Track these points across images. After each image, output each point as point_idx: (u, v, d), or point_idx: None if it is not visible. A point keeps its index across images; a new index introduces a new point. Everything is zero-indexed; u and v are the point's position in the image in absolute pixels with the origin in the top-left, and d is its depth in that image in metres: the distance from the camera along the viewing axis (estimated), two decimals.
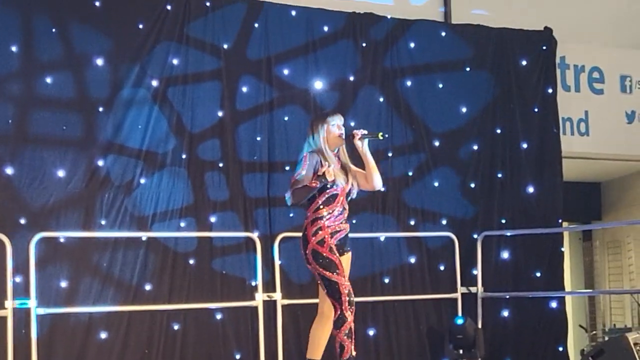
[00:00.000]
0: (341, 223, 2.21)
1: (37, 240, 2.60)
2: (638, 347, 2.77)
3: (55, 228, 2.77)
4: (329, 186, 2.17)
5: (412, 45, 3.47)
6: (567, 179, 3.69)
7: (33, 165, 2.81)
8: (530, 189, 3.57)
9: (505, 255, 3.48)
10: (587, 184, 4.57)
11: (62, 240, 2.81)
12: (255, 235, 2.95)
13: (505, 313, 3.44)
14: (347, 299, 2.13)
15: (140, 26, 3.01)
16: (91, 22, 2.94)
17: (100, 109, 2.93)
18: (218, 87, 3.12)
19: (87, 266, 2.84)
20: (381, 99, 3.40)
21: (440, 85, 3.51)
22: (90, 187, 2.87)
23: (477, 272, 3.31)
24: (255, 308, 2.86)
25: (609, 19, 4.01)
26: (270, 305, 2.90)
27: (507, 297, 3.38)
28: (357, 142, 2.23)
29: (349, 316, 2.12)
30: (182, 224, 2.99)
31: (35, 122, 2.84)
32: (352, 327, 2.14)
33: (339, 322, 2.12)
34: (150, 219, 2.94)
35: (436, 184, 3.43)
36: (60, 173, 2.84)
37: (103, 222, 2.88)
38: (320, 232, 2.16)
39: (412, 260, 3.33)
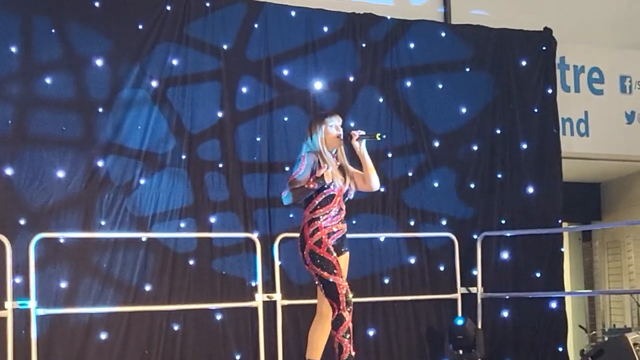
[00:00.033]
0: (338, 223, 2.21)
1: (37, 240, 2.60)
2: (638, 348, 2.77)
3: (55, 229, 2.78)
4: (326, 187, 2.17)
5: (411, 45, 3.47)
6: (566, 179, 3.70)
7: (33, 165, 2.81)
8: (530, 190, 3.57)
9: (505, 255, 3.48)
10: (586, 184, 4.57)
11: (61, 240, 2.81)
12: (255, 236, 2.96)
13: (505, 313, 3.44)
14: (345, 299, 2.13)
15: (140, 27, 3.01)
16: (91, 23, 2.94)
17: (100, 110, 2.93)
18: (218, 87, 3.12)
19: (87, 267, 2.84)
20: (381, 100, 3.40)
21: (440, 86, 3.51)
22: (90, 188, 2.87)
23: (477, 272, 3.31)
24: (255, 308, 2.86)
25: (608, 20, 4.01)
26: (270, 306, 2.90)
27: (507, 297, 3.38)
28: (355, 143, 2.23)
29: (347, 316, 2.12)
30: (182, 225, 2.99)
31: (35, 123, 2.84)
32: (351, 327, 2.14)
33: (337, 322, 2.12)
34: (150, 220, 2.95)
35: (436, 185, 3.44)
36: (60, 173, 2.85)
37: (103, 223, 2.88)
38: (317, 233, 2.17)
39: (412, 260, 3.33)
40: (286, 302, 2.91)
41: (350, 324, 2.14)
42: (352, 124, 3.21)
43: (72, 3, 2.94)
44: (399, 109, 3.42)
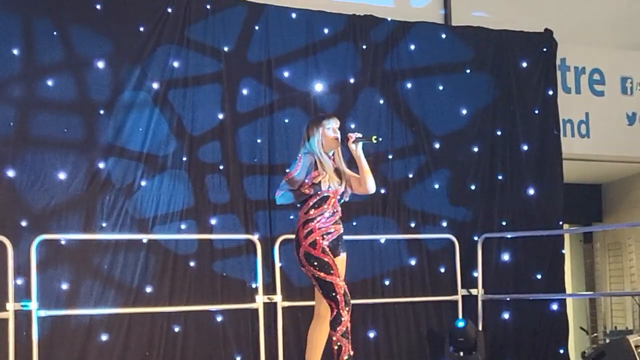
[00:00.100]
0: (333, 224, 2.21)
1: (38, 242, 2.61)
2: (639, 350, 2.76)
3: (56, 230, 2.78)
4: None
5: (412, 47, 3.47)
6: (567, 180, 3.69)
7: (34, 167, 2.82)
8: (531, 191, 3.57)
9: (505, 257, 3.48)
10: (587, 185, 4.56)
11: (63, 242, 2.81)
12: (255, 238, 2.96)
13: (506, 315, 3.43)
14: (344, 298, 2.13)
15: (141, 29, 3.02)
16: (92, 25, 2.95)
17: (101, 112, 2.94)
18: (218, 89, 3.12)
19: (88, 268, 2.84)
20: (381, 101, 3.40)
21: (441, 88, 3.51)
22: (91, 190, 2.88)
23: (478, 274, 3.30)
24: (256, 310, 2.86)
25: (609, 21, 4.01)
26: (270, 308, 2.91)
27: (508, 299, 3.38)
28: (351, 145, 2.23)
29: (346, 316, 2.11)
30: (183, 227, 3.00)
31: (37, 125, 2.85)
32: (349, 327, 2.14)
33: (336, 322, 2.11)
34: (151, 222, 2.95)
35: (436, 186, 3.43)
36: (62, 175, 2.85)
37: (104, 225, 2.88)
38: (311, 234, 2.17)
39: (413, 262, 3.33)
40: (287, 303, 2.92)
41: (349, 324, 2.13)
42: (352, 126, 3.23)
43: (73, 5, 2.95)
44: (399, 111, 3.42)
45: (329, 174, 2.19)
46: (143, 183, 2.97)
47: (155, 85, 3.03)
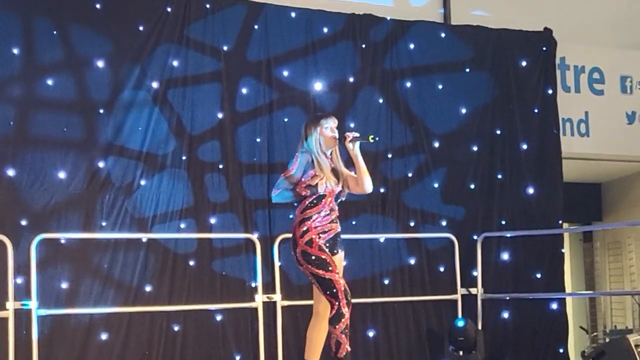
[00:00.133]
0: (329, 223, 2.21)
1: (38, 241, 2.61)
2: (639, 349, 2.76)
3: (56, 229, 2.78)
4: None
5: (411, 46, 3.47)
6: (567, 179, 3.69)
7: (34, 166, 2.82)
8: (530, 190, 3.57)
9: (505, 256, 3.48)
10: (587, 184, 4.56)
11: (62, 241, 2.82)
12: (255, 237, 2.96)
13: (506, 314, 3.43)
14: (344, 294, 2.12)
15: (141, 28, 3.02)
16: (92, 24, 2.95)
17: (101, 111, 2.94)
18: (218, 88, 3.12)
19: (87, 267, 2.85)
20: (381, 100, 3.40)
21: (440, 86, 3.51)
22: (91, 189, 2.88)
23: (477, 273, 3.30)
24: (255, 309, 2.86)
25: (609, 20, 4.01)
26: (270, 307, 2.91)
27: (507, 298, 3.37)
28: (349, 145, 2.23)
29: (347, 312, 2.11)
30: (182, 226, 3.00)
31: (36, 124, 2.85)
32: (348, 324, 2.13)
33: (336, 318, 2.11)
34: (151, 221, 2.95)
35: (436, 185, 3.43)
36: (61, 174, 2.86)
37: (103, 224, 2.88)
38: (307, 233, 2.17)
39: (412, 261, 3.33)
40: (286, 302, 2.92)
41: (348, 321, 2.13)
42: (352, 125, 3.23)
43: (73, 5, 2.95)
44: (398, 110, 3.42)
45: (325, 173, 2.19)
46: (142, 182, 2.97)
47: (154, 85, 3.03)
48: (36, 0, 2.89)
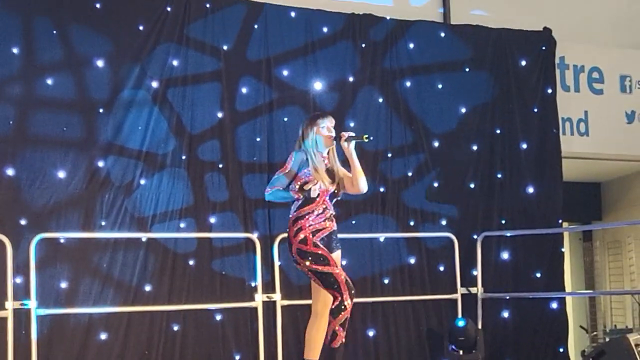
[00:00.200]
0: (323, 221, 2.21)
1: (38, 241, 2.61)
2: (639, 348, 2.75)
3: (55, 229, 2.78)
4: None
5: (411, 46, 3.47)
6: (567, 179, 3.69)
7: (34, 166, 2.82)
8: (530, 189, 3.57)
9: (505, 255, 3.48)
10: (587, 184, 4.56)
11: (62, 241, 2.81)
12: (254, 236, 2.96)
13: (506, 314, 3.43)
14: (346, 286, 2.12)
15: (141, 27, 3.02)
16: (91, 24, 2.95)
17: (101, 110, 2.94)
18: (218, 88, 3.12)
19: (87, 267, 2.84)
20: (380, 100, 3.40)
21: (440, 86, 3.51)
22: (91, 188, 2.88)
23: (477, 272, 3.30)
24: (255, 309, 2.86)
25: (608, 19, 4.01)
26: (269, 306, 2.90)
27: (507, 297, 3.37)
28: (344, 144, 2.24)
29: (349, 305, 2.10)
30: (182, 225, 3.00)
31: (36, 123, 2.85)
32: (349, 317, 2.13)
33: (337, 310, 2.10)
34: (150, 220, 2.95)
35: (436, 185, 3.43)
36: (61, 174, 2.85)
37: (103, 223, 2.88)
38: (301, 232, 2.18)
39: (412, 260, 3.33)
40: (286, 302, 2.91)
41: (349, 315, 2.12)
42: (352, 125, 3.23)
43: (73, 4, 2.95)
44: (398, 109, 3.42)
45: (320, 173, 2.19)
46: (142, 181, 2.97)
47: (154, 84, 3.02)
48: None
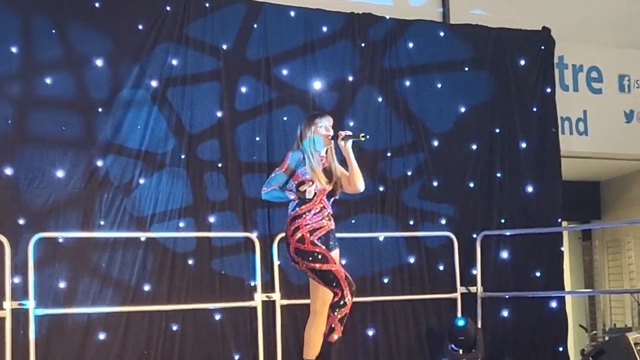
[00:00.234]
0: (320, 220, 2.21)
1: (36, 240, 2.60)
2: (639, 347, 2.76)
3: (54, 228, 2.77)
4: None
5: (410, 45, 3.48)
6: (566, 178, 3.69)
7: (32, 165, 2.81)
8: (530, 189, 3.57)
9: (504, 254, 3.48)
10: (586, 183, 4.57)
11: (60, 240, 2.80)
12: (254, 236, 2.95)
13: (505, 313, 3.43)
14: (346, 282, 2.12)
15: (140, 27, 3.02)
16: (91, 23, 2.95)
17: (100, 110, 2.94)
18: (217, 87, 3.12)
19: (85, 267, 2.83)
20: (380, 99, 3.40)
21: (439, 85, 3.51)
22: (89, 188, 2.87)
23: (477, 271, 3.30)
24: (254, 308, 2.86)
25: (607, 19, 4.03)
26: (269, 306, 2.90)
27: (507, 297, 3.37)
28: (341, 143, 2.24)
29: (349, 302, 2.10)
30: (181, 224, 2.99)
31: (35, 123, 2.84)
32: (348, 314, 2.12)
33: (338, 305, 2.10)
34: (149, 219, 2.94)
35: (435, 184, 3.43)
36: (60, 173, 2.85)
37: (102, 223, 2.87)
38: (298, 231, 2.18)
39: (411, 260, 3.33)
40: (285, 301, 2.91)
41: (348, 311, 2.12)
42: (351, 124, 3.23)
43: (72, 3, 2.95)
44: (398, 109, 3.42)
45: (316, 173, 2.20)
46: (141, 181, 2.96)
47: (154, 83, 3.02)
48: None
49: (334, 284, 2.12)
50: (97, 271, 2.84)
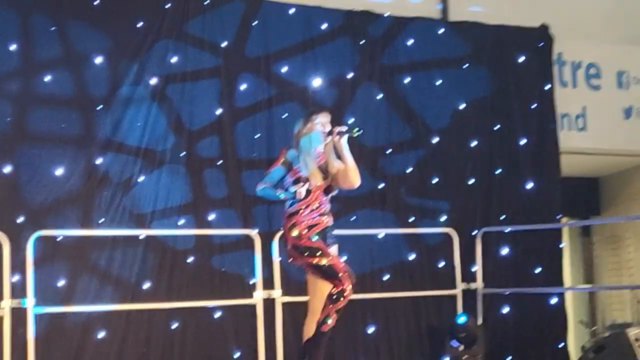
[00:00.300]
0: (318, 216, 2.21)
1: (35, 238, 2.59)
2: (638, 343, 2.76)
3: (53, 226, 2.76)
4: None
5: (409, 42, 3.48)
6: (565, 174, 3.70)
7: (32, 163, 2.81)
8: (529, 185, 3.58)
9: (504, 251, 3.48)
10: (585, 179, 4.57)
11: (60, 238, 2.79)
12: (254, 233, 2.94)
13: (506, 309, 3.44)
14: (346, 274, 2.12)
15: (139, 24, 3.02)
16: (90, 21, 2.94)
17: (99, 107, 2.93)
18: (217, 84, 3.12)
19: (85, 264, 2.83)
20: (379, 96, 3.41)
21: (438, 82, 3.51)
22: (89, 185, 2.87)
23: (477, 268, 3.30)
24: (255, 306, 2.85)
25: (605, 15, 4.03)
26: (269, 303, 2.89)
27: (507, 293, 3.38)
28: (335, 138, 2.24)
29: (348, 294, 2.10)
30: (181, 222, 2.99)
31: (34, 120, 2.84)
32: (344, 306, 2.12)
33: (337, 296, 2.10)
34: (149, 217, 2.94)
35: (435, 180, 3.44)
36: (59, 171, 2.84)
37: (101, 220, 2.87)
38: (295, 227, 2.18)
39: (412, 256, 3.33)
40: (285, 299, 2.90)
41: (345, 303, 2.12)
42: (350, 121, 3.22)
43: (71, 1, 2.95)
44: (397, 105, 3.43)
45: (311, 170, 2.20)
46: (141, 178, 2.96)
47: (153, 81, 3.02)
48: None
49: (334, 277, 2.12)
50: (97, 269, 2.83)
